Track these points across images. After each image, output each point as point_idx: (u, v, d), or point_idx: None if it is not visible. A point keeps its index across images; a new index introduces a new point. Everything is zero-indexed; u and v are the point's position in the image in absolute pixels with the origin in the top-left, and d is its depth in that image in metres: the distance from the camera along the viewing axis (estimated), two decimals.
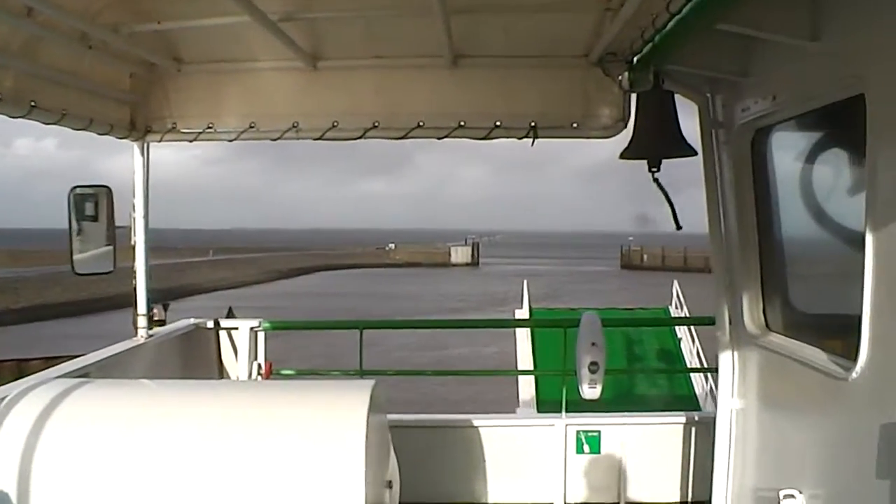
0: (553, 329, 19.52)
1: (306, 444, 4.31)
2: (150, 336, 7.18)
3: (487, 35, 6.27)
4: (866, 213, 3.70)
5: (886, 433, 3.53)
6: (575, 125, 6.60)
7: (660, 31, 4.92)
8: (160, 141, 6.91)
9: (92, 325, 49.57)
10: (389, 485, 4.80)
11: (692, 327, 21.04)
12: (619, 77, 5.91)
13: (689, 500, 7.41)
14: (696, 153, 5.56)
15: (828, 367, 4.19)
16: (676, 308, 25.99)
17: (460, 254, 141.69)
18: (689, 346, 21.27)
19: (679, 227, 5.57)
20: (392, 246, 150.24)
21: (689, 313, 24.76)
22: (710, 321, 6.11)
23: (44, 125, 5.50)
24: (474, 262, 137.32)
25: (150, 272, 7.23)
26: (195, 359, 7.77)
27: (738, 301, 5.57)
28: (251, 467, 4.24)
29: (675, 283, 26.75)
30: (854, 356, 3.80)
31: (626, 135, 6.24)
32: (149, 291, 7.18)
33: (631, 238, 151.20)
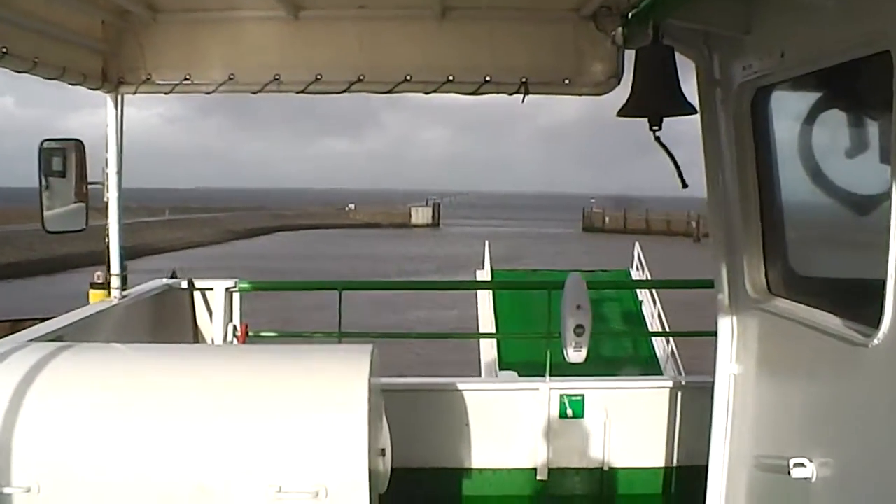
0: (515, 291, 20.63)
1: (307, 412, 4.31)
2: (124, 297, 7.04)
3: None
4: (892, 174, 3.44)
5: None
6: (567, 81, 6.49)
7: None
8: (135, 93, 6.73)
9: (39, 288, 48.46)
10: (383, 452, 4.76)
11: (653, 290, 21.36)
12: (613, 32, 5.75)
13: (674, 464, 7.40)
14: (696, 111, 5.33)
15: (844, 332, 4.04)
16: (637, 270, 26.03)
17: (421, 214, 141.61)
18: (651, 309, 21.45)
19: (685, 185, 5.36)
20: (352, 206, 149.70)
21: (651, 275, 25.13)
22: (709, 284, 5.96)
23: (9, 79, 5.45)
24: (435, 224, 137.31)
25: (123, 230, 7.11)
26: (169, 320, 7.68)
27: (739, 264, 5.40)
28: (250, 436, 4.24)
29: (637, 246, 26.85)
30: (875, 322, 3.61)
31: (619, 92, 6.22)
32: (122, 250, 7.05)
33: (593, 200, 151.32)
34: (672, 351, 18.33)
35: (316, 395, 4.40)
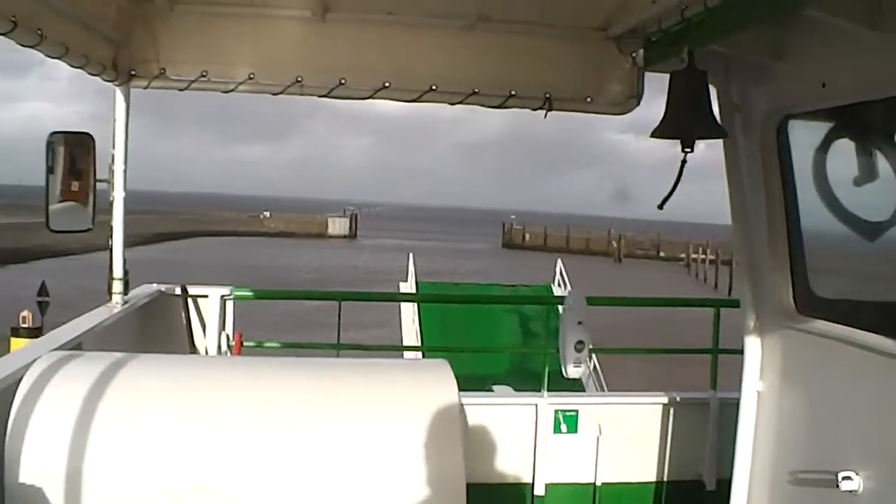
0: (438, 305, 20.99)
1: (403, 430, 4.33)
2: (125, 303, 6.89)
3: (505, 1, 6.17)
4: None
5: None
6: (588, 99, 6.54)
7: (697, 8, 4.76)
8: (146, 87, 6.47)
9: None
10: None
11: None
12: (633, 54, 6.00)
13: (665, 479, 7.55)
14: (727, 135, 5.48)
15: (886, 347, 4.36)
16: (559, 286, 27.21)
17: (338, 225, 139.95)
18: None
19: (661, 208, 5.44)
20: (267, 214, 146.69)
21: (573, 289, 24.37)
22: (734, 304, 6.27)
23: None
24: (352, 235, 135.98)
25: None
26: (162, 328, 7.57)
27: (766, 286, 5.65)
28: (340, 454, 4.27)
29: (559, 262, 28.31)
30: None
31: (638, 112, 6.61)
32: (124, 253, 6.87)
33: (513, 216, 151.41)
34: (595, 367, 18.76)
35: (411, 412, 4.40)
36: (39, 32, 4.88)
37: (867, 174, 4.92)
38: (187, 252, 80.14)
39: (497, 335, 21.35)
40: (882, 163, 4.81)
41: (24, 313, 23.40)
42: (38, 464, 4.02)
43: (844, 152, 5.08)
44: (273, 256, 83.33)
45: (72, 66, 5.73)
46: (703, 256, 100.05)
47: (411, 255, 28.02)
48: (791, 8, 4.40)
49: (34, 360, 4.43)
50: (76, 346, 5.49)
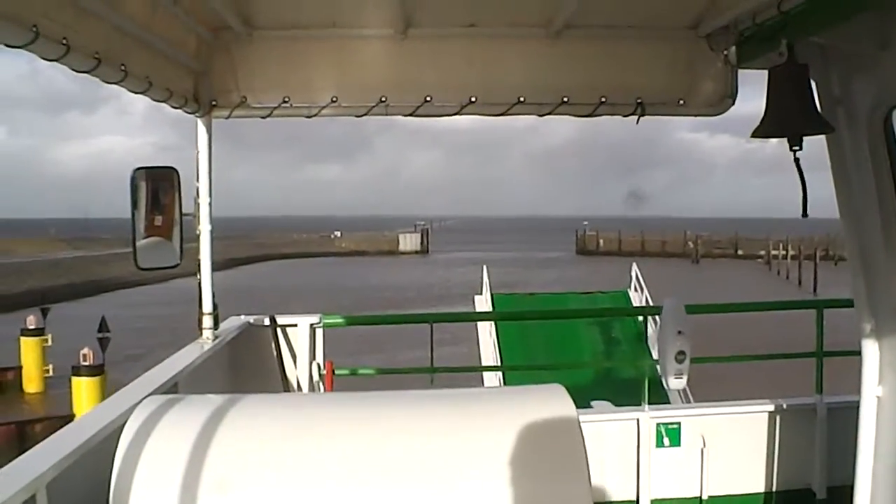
0: (519, 323, 21.26)
1: (528, 460, 4.15)
2: (216, 338, 6.80)
3: (591, 4, 5.73)
4: None
5: None
6: (681, 102, 6.37)
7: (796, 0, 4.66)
8: (228, 117, 6.44)
9: None
10: None
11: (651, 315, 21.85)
12: (725, 51, 5.79)
13: (774, 489, 7.47)
14: (833, 130, 5.25)
15: None
16: (635, 290, 26.75)
17: (409, 241, 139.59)
18: (653, 330, 21.62)
19: (805, 215, 5.12)
20: (338, 234, 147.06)
21: (651, 295, 25.67)
22: (839, 304, 6.42)
23: None
24: (423, 250, 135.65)
25: (214, 266, 6.84)
26: (253, 362, 7.42)
27: (882, 284, 5.46)
28: (475, 488, 4.10)
29: (634, 267, 27.51)
30: None
31: (733, 112, 6.43)
32: (213, 287, 6.81)
33: (586, 223, 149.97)
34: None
35: (535, 441, 4.22)
36: (123, 68, 4.78)
37: None
38: (255, 278, 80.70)
39: (577, 345, 21.45)
40: None
41: (85, 351, 23.17)
42: None
43: None
44: (342, 277, 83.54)
45: (155, 100, 5.59)
46: (784, 252, 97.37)
47: (485, 268, 27.64)
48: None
49: (136, 405, 4.30)
50: (172, 386, 5.47)
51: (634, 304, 25.58)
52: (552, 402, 4.44)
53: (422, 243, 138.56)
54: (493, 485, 4.05)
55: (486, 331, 20.86)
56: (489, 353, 20.26)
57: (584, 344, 21.89)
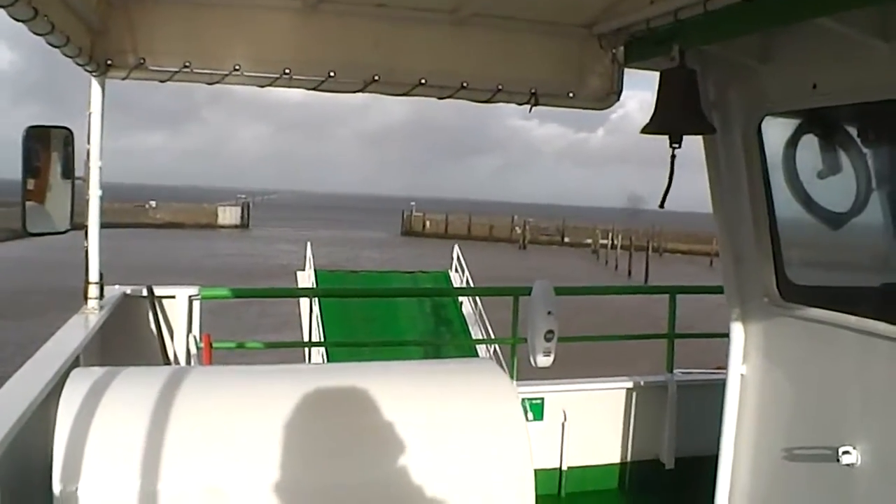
0: (339, 301, 22.15)
1: (472, 431, 4.57)
2: (101, 308, 6.64)
3: None
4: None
5: None
6: (571, 94, 6.65)
7: (695, 11, 5.01)
8: (125, 78, 6.14)
9: None
10: None
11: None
12: (613, 51, 6.31)
13: (629, 460, 8.11)
14: (714, 131, 5.78)
15: (877, 329, 4.80)
16: (456, 272, 28.48)
17: (229, 214, 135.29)
18: (471, 310, 24.38)
19: (662, 206, 5.63)
20: (153, 203, 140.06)
21: (472, 276, 27.84)
22: (718, 290, 6.57)
23: None
24: (244, 225, 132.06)
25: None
26: (132, 333, 7.27)
27: (751, 273, 6.01)
28: (423, 463, 4.35)
29: (456, 248, 29.29)
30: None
31: (618, 107, 6.95)
32: (101, 255, 6.52)
33: (413, 203, 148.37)
34: (495, 350, 19.32)
35: (475, 413, 4.66)
36: (34, 8, 4.51)
37: (831, 168, 5.51)
38: (41, 250, 73.28)
39: (399, 324, 22.57)
40: (845, 158, 5.43)
41: None
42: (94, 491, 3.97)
43: (811, 147, 5.62)
44: (149, 252, 77.80)
45: (51, 44, 5.21)
46: (614, 242, 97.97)
47: (309, 245, 28.37)
48: (800, 17, 4.61)
49: (61, 379, 4.42)
50: (76, 359, 5.34)
51: (455, 286, 27.74)
52: (490, 375, 4.96)
53: (242, 217, 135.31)
54: (438, 457, 4.37)
55: (306, 308, 21.50)
56: (309, 329, 20.72)
57: (405, 322, 22.93)
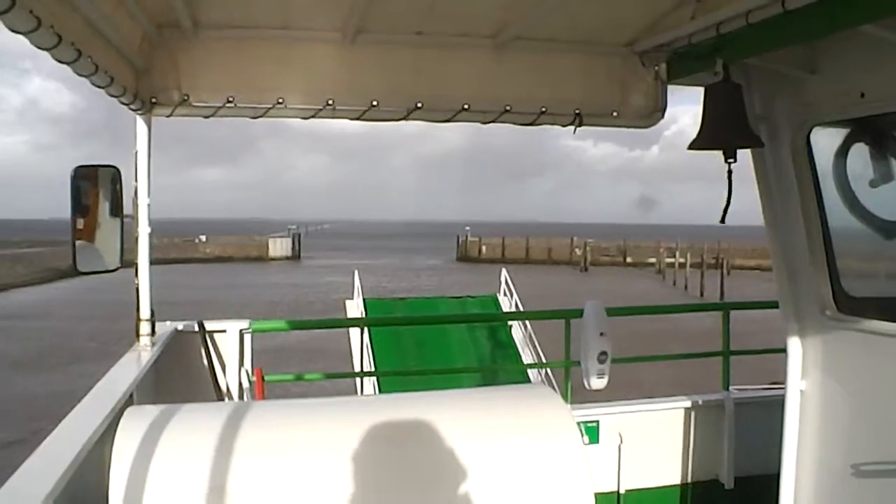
0: (390, 328, 23.16)
1: (529, 457, 4.60)
2: (153, 345, 6.71)
3: (534, 17, 5.99)
4: None
5: None
6: (615, 114, 6.70)
7: (737, 24, 5.00)
8: (170, 115, 6.29)
9: None
10: None
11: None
12: (656, 67, 6.37)
13: (689, 481, 8.01)
14: (762, 144, 5.81)
15: None
16: (505, 295, 28.68)
17: (279, 246, 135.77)
18: (522, 334, 24.51)
19: (723, 221, 5.51)
20: (203, 238, 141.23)
21: (520, 299, 27.93)
22: (773, 304, 6.61)
23: None
24: (295, 256, 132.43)
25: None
26: (184, 368, 7.31)
27: (806, 286, 6.04)
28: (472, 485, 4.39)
29: (504, 272, 29.46)
30: None
31: (663, 124, 7.15)
32: (152, 291, 6.58)
33: (467, 228, 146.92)
34: (547, 373, 19.26)
35: (537, 438, 4.70)
36: (77, 50, 4.54)
37: (883, 176, 5.45)
38: (87, 291, 72.92)
39: (450, 349, 23.09)
40: None
41: None
42: None
43: (862, 156, 5.59)
44: (189, 288, 76.92)
45: (96, 85, 5.22)
46: (681, 260, 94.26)
47: (356, 273, 28.40)
48: (844, 26, 4.59)
49: (116, 417, 4.45)
50: (129, 397, 5.36)
51: (504, 310, 27.65)
52: (547, 401, 5.03)
53: (293, 248, 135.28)
54: (501, 485, 4.40)
55: (357, 339, 21.05)
56: (361, 358, 20.40)
57: (457, 346, 23.47)
